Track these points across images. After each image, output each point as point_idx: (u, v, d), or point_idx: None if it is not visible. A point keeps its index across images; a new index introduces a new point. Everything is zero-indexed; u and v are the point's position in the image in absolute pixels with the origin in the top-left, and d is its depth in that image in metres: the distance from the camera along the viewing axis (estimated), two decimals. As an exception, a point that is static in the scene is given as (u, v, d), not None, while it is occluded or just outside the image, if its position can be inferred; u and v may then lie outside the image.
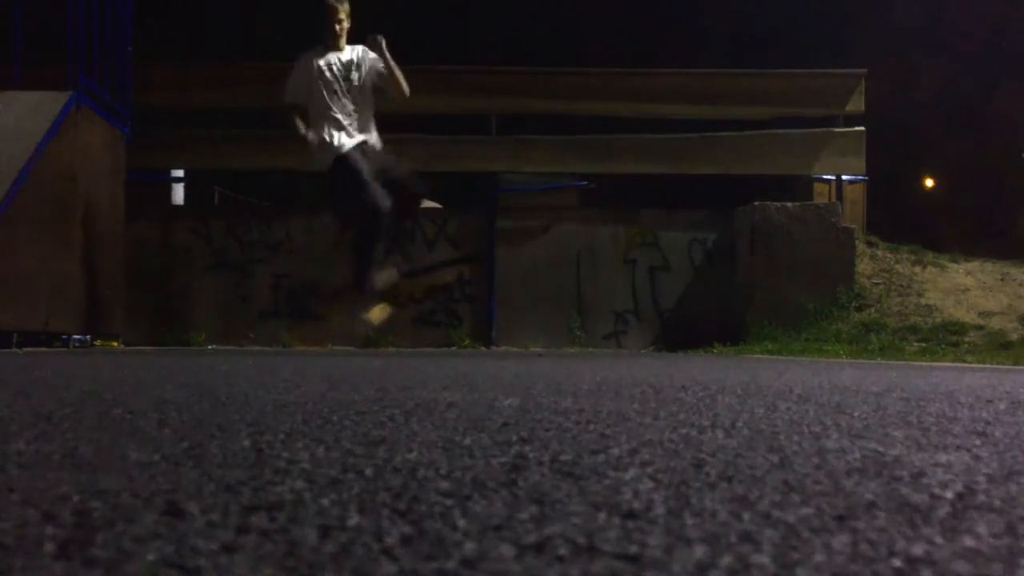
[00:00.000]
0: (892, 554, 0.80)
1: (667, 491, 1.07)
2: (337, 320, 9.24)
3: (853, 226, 9.43)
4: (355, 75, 6.53)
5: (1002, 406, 2.35)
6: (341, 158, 6.39)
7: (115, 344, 8.35)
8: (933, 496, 1.07)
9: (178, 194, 10.61)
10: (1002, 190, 19.57)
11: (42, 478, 1.13)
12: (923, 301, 8.89)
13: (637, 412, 2.00)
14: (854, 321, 8.66)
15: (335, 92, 6.54)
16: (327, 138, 6.47)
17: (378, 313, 6.29)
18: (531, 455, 1.34)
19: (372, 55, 6.49)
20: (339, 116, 6.53)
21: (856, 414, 2.03)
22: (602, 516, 0.93)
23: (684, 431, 1.66)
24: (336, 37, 6.54)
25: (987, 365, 6.05)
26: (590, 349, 9.21)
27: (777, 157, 9.73)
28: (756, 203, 9.12)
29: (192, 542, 0.81)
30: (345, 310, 6.67)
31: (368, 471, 1.19)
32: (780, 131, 9.78)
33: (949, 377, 4.01)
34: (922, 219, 18.89)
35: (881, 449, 1.45)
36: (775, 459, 1.33)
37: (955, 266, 9.53)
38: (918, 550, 0.82)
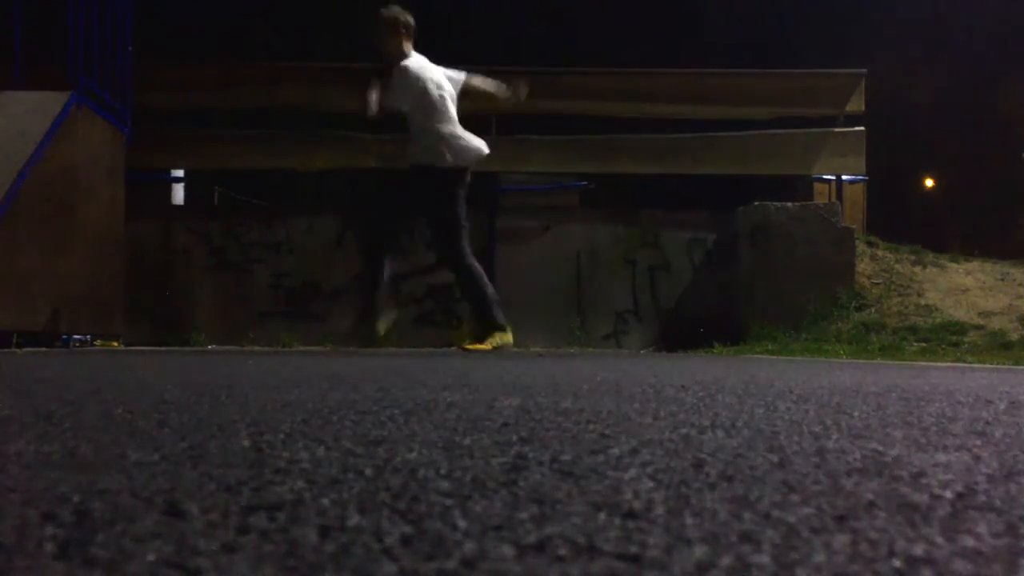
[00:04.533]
0: (892, 554, 0.80)
1: (667, 491, 1.07)
2: (337, 320, 9.25)
3: (853, 226, 9.43)
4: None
5: (1002, 406, 2.35)
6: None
7: (115, 344, 8.35)
8: (933, 496, 1.07)
9: (178, 194, 10.61)
10: (1002, 190, 19.57)
11: (42, 478, 1.13)
12: (923, 301, 8.89)
13: (637, 412, 2.00)
14: (854, 321, 8.66)
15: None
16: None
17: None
18: (531, 455, 1.34)
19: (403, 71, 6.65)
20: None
21: (856, 414, 2.03)
22: (602, 516, 0.93)
23: (684, 431, 1.66)
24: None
25: (987, 365, 6.05)
26: (590, 349, 9.21)
27: (777, 157, 9.74)
28: (756, 203, 9.12)
29: (192, 542, 0.81)
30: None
31: (368, 471, 1.19)
32: (780, 131, 9.79)
33: (949, 377, 4.01)
34: (922, 219, 18.90)
35: (881, 449, 1.45)
36: (775, 459, 1.33)
37: (955, 266, 9.53)
38: (918, 550, 0.82)
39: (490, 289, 6.70)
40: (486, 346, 6.62)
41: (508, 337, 6.72)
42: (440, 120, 6.67)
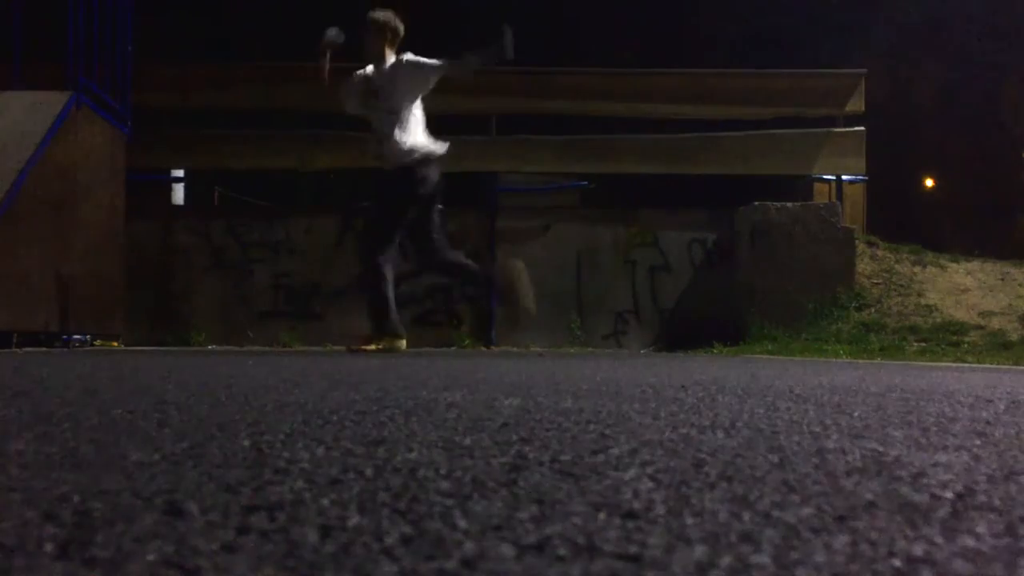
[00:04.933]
0: (892, 554, 0.80)
1: (667, 491, 1.07)
2: (337, 320, 9.26)
3: (853, 226, 9.43)
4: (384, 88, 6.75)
5: (1002, 406, 2.35)
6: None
7: (115, 344, 8.35)
8: (933, 496, 1.07)
9: (178, 194, 10.61)
10: (1002, 190, 19.57)
11: (42, 478, 1.13)
12: (923, 301, 8.89)
13: (637, 412, 2.00)
14: (854, 321, 8.67)
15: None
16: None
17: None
18: (531, 455, 1.34)
19: (409, 63, 6.67)
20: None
21: (856, 414, 2.03)
22: (602, 516, 0.93)
23: (684, 431, 1.66)
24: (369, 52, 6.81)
25: (987, 365, 6.05)
26: (590, 349, 9.21)
27: (777, 157, 9.73)
28: (756, 203, 9.12)
29: (192, 542, 0.81)
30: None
31: (368, 471, 1.19)
32: (780, 131, 9.79)
33: (949, 377, 4.01)
34: (922, 219, 18.90)
35: (881, 449, 1.45)
36: (775, 459, 1.33)
37: (955, 266, 9.53)
38: (918, 550, 0.82)
39: (392, 294, 6.72)
40: (372, 347, 6.66)
41: (402, 343, 6.77)
42: (422, 122, 6.76)
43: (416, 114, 6.73)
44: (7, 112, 6.90)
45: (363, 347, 6.70)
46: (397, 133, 6.67)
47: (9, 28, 7.39)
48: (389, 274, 6.66)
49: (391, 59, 6.75)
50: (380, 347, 6.65)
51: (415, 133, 6.70)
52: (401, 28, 6.80)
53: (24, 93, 7.15)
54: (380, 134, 6.74)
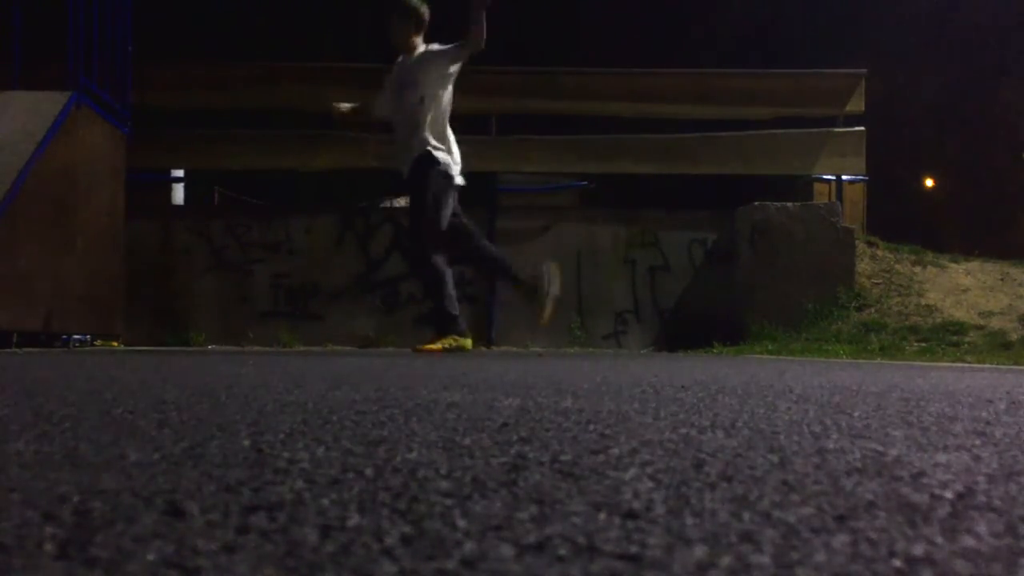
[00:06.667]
0: (892, 554, 0.80)
1: (667, 491, 1.07)
2: (337, 320, 9.26)
3: (853, 226, 9.43)
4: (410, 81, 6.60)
5: (1002, 406, 2.35)
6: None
7: (115, 344, 8.35)
8: (933, 496, 1.07)
9: (178, 194, 10.61)
10: (1002, 190, 19.58)
11: (42, 478, 1.13)
12: (923, 301, 8.89)
13: (637, 412, 2.00)
14: (854, 321, 8.67)
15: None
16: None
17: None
18: (531, 455, 1.34)
19: (433, 53, 6.54)
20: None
21: (856, 414, 2.03)
22: (602, 516, 0.93)
23: (684, 431, 1.66)
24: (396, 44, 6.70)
25: (987, 365, 6.05)
26: (590, 349, 9.21)
27: (777, 157, 9.74)
28: (756, 203, 9.12)
29: (192, 542, 0.81)
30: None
31: (368, 471, 1.19)
32: (780, 131, 9.79)
33: (949, 377, 4.01)
34: (922, 219, 18.90)
35: (881, 449, 1.45)
36: (775, 459, 1.33)
37: (955, 266, 9.54)
38: (918, 550, 0.82)
39: (451, 289, 6.57)
40: (437, 347, 6.52)
41: (466, 342, 6.63)
42: (446, 116, 6.64)
43: (442, 114, 6.54)
44: (7, 112, 6.91)
45: (427, 347, 6.55)
46: (422, 128, 6.49)
47: (9, 28, 7.39)
48: (446, 271, 6.52)
49: (420, 49, 6.58)
50: (445, 347, 6.50)
51: (436, 133, 6.56)
52: (427, 15, 6.68)
53: (24, 93, 7.15)
54: (402, 133, 6.60)
